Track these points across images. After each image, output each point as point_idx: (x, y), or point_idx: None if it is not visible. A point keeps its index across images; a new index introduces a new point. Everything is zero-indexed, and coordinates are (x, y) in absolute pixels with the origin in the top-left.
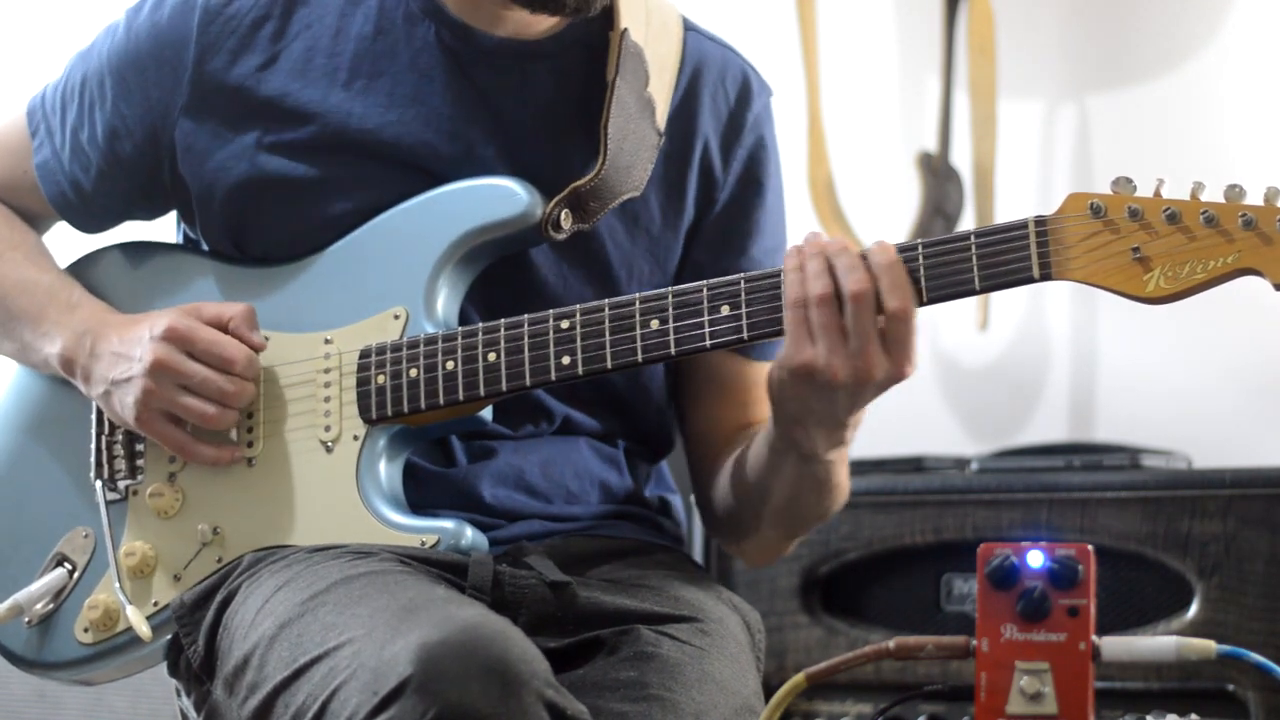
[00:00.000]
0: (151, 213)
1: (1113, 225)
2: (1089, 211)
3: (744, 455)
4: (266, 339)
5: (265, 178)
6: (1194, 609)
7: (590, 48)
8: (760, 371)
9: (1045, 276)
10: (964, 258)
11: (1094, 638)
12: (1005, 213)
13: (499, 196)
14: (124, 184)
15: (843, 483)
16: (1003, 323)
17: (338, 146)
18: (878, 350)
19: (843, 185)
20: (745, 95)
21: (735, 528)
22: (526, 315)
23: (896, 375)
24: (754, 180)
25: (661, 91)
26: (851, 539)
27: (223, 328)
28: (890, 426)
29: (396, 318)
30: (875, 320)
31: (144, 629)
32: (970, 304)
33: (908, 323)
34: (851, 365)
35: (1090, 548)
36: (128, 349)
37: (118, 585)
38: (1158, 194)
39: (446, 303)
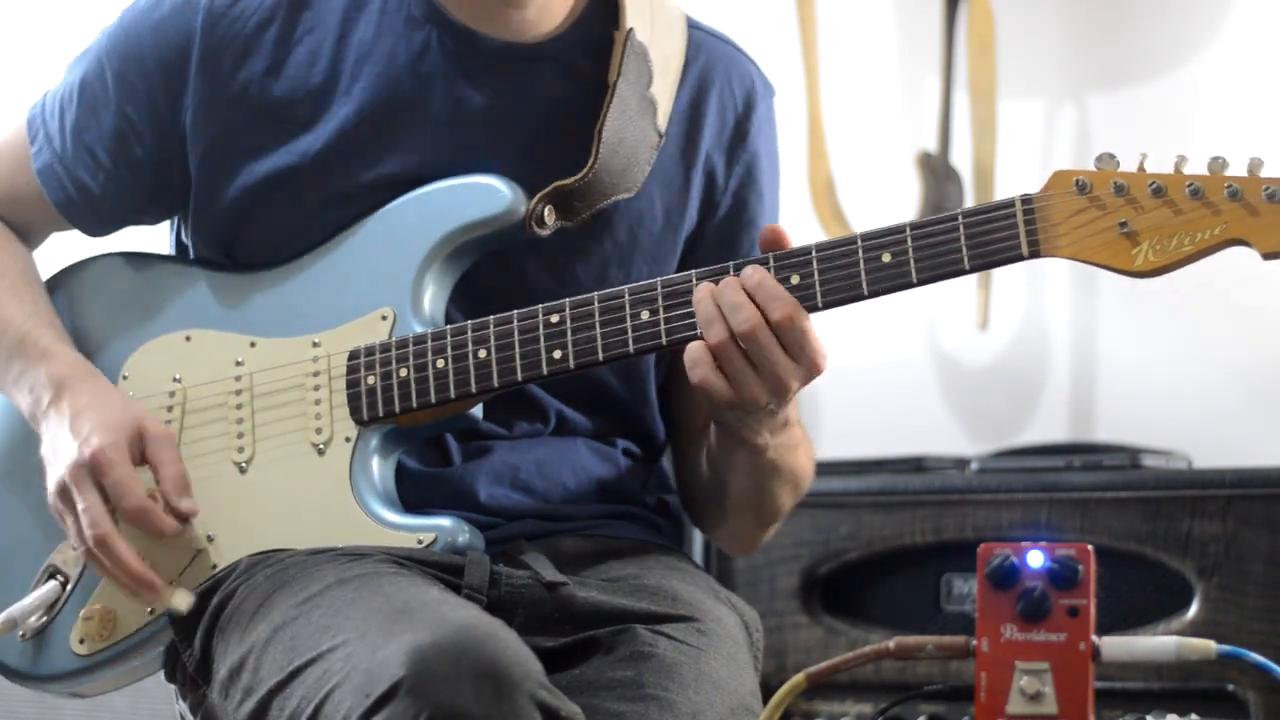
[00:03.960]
0: (159, 215)
1: (1099, 201)
2: (1075, 188)
3: (706, 449)
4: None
5: (267, 182)
6: (1194, 609)
7: (593, 48)
8: None
9: (1034, 254)
10: (952, 238)
11: (1094, 638)
12: None
13: (482, 194)
14: (134, 186)
15: (799, 466)
16: (1003, 323)
17: (338, 153)
18: (786, 362)
19: (843, 185)
20: (751, 98)
21: (706, 518)
22: (515, 311)
23: (811, 375)
24: (757, 186)
25: (665, 91)
26: (851, 539)
27: (156, 474)
28: (890, 426)
29: (384, 318)
30: (773, 339)
31: (185, 601)
32: (970, 303)
33: (797, 328)
34: (768, 385)
35: (1090, 548)
36: (63, 438)
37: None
38: (1141, 169)
39: (434, 301)
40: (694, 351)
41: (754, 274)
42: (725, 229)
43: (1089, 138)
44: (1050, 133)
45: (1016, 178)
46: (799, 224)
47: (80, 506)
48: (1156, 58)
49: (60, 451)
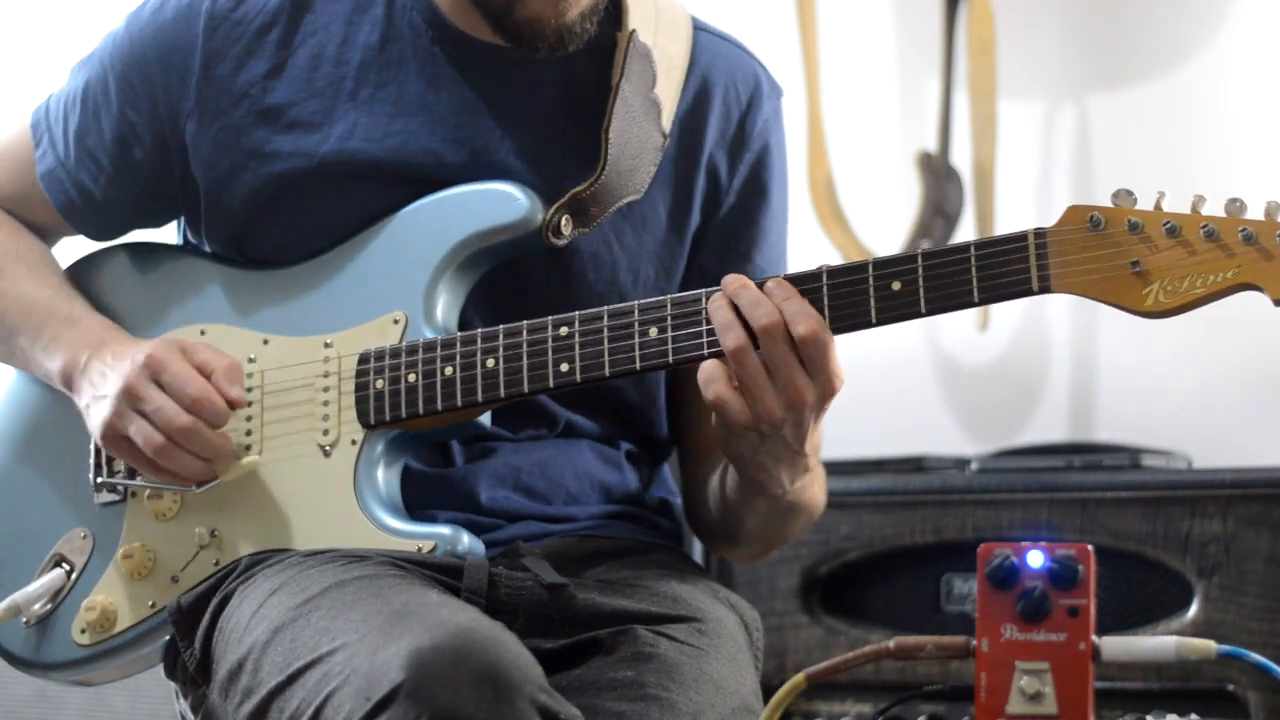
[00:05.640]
0: (161, 218)
1: (1112, 239)
2: (1088, 224)
3: (720, 485)
4: (265, 341)
5: (270, 184)
6: (1194, 609)
7: (596, 50)
8: None
9: (1044, 289)
10: (963, 269)
11: (1094, 638)
12: (1005, 213)
13: (499, 201)
14: (135, 189)
15: (813, 500)
16: (1003, 323)
17: (343, 157)
18: (801, 376)
19: (843, 185)
20: (756, 99)
21: (716, 542)
22: (526, 322)
23: (827, 394)
24: (760, 186)
25: (669, 92)
26: (851, 539)
27: (206, 375)
28: (890, 426)
29: (396, 322)
30: (791, 349)
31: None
32: None
33: (820, 345)
34: (783, 397)
35: (1090, 548)
36: (111, 369)
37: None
38: (1158, 207)
39: (446, 308)
40: (709, 369)
41: (781, 287)
42: (727, 228)
43: (1089, 138)
44: (1050, 133)
45: (1016, 178)
46: (799, 224)
47: (150, 408)
48: (1156, 58)
49: (112, 377)
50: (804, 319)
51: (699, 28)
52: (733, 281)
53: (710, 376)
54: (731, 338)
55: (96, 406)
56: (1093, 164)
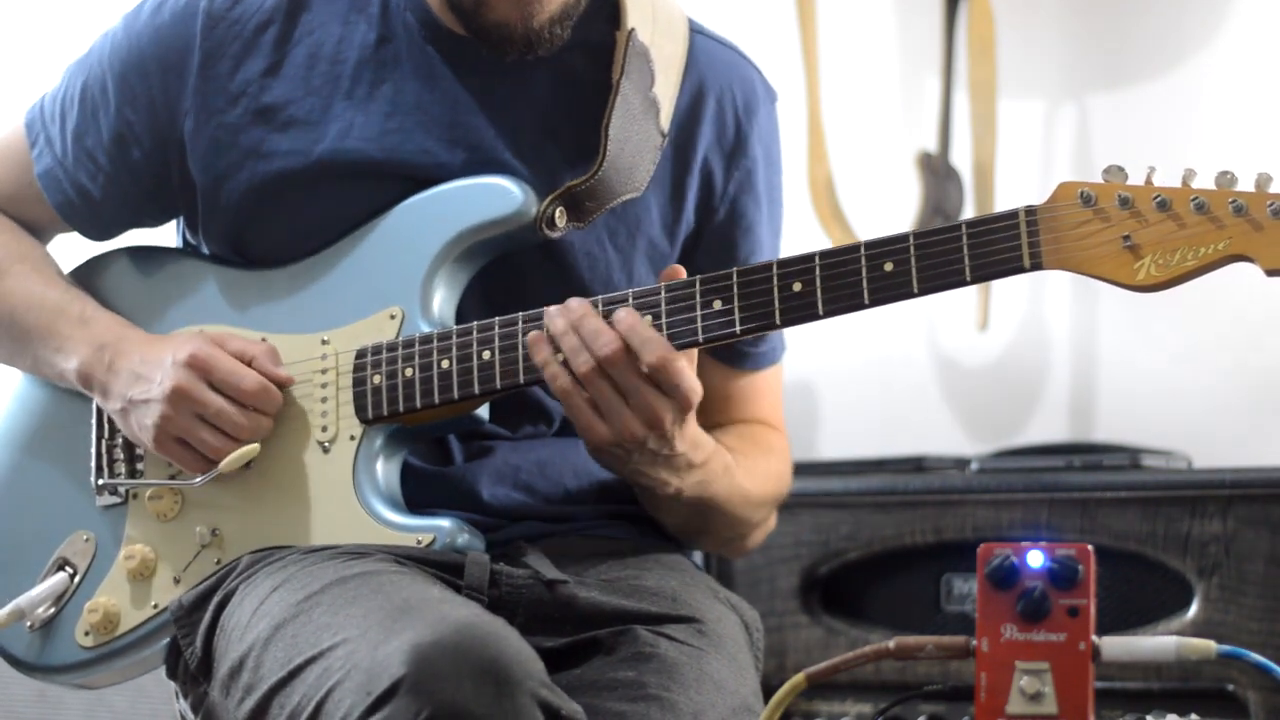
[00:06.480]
0: (160, 217)
1: (1103, 214)
2: (1079, 200)
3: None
4: (263, 340)
5: (267, 183)
6: (1194, 609)
7: (594, 49)
8: (737, 382)
9: (1036, 266)
10: (955, 248)
11: (1094, 638)
12: None
13: (493, 195)
14: (133, 189)
15: (732, 492)
16: (1003, 323)
17: (339, 155)
18: (656, 396)
19: (843, 185)
20: (751, 104)
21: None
22: (521, 313)
23: (685, 408)
24: (756, 191)
25: (667, 91)
26: (851, 539)
27: (246, 363)
28: (890, 426)
29: (393, 317)
30: (639, 374)
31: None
32: (970, 304)
33: (670, 369)
34: (641, 418)
35: (1090, 548)
36: (149, 370)
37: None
38: (1148, 182)
39: (443, 302)
40: (565, 384)
41: (627, 317)
42: (723, 234)
43: (1089, 138)
44: (1050, 133)
45: (1016, 178)
46: (799, 224)
47: (211, 413)
48: (1156, 58)
49: (154, 380)
50: (652, 346)
51: (695, 30)
52: (563, 315)
53: (567, 390)
54: (581, 362)
55: (140, 411)
56: (1093, 163)
